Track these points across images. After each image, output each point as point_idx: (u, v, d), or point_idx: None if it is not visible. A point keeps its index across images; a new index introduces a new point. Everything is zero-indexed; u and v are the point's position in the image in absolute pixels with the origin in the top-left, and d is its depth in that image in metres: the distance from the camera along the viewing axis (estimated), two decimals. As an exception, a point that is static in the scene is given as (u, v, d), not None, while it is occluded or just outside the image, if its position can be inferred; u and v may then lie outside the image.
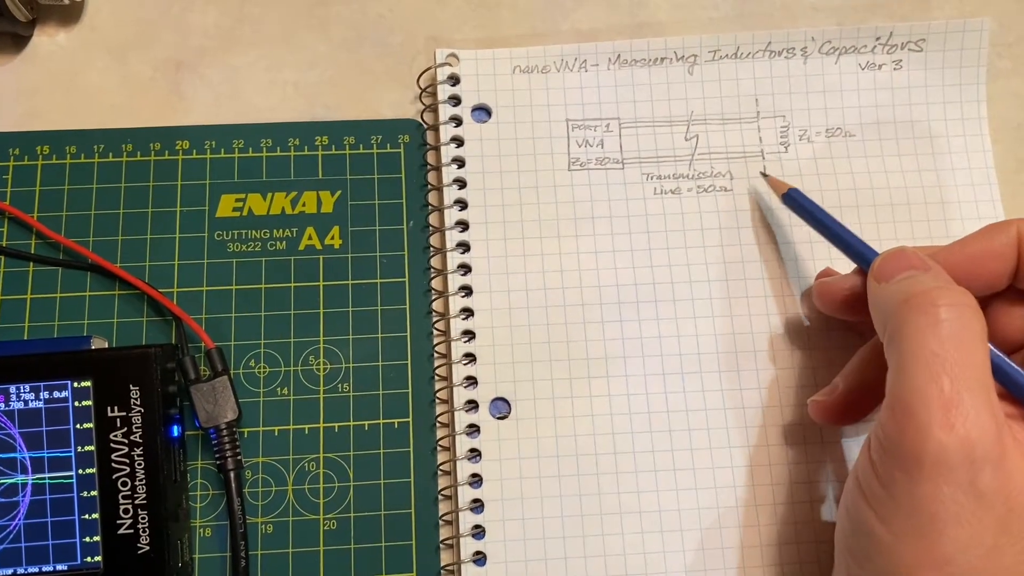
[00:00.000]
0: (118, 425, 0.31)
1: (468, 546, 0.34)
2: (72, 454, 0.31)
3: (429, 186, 0.38)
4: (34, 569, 0.31)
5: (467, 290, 0.36)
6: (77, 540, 0.31)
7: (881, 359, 0.28)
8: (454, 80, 0.38)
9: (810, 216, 0.34)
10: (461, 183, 0.37)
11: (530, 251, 0.37)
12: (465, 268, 0.36)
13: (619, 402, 0.35)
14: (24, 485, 0.31)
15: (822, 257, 0.37)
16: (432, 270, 0.37)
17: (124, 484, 0.31)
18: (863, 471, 0.27)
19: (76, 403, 0.31)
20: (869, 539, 0.26)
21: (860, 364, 0.32)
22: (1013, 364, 0.28)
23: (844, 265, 0.34)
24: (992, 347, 0.28)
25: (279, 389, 0.35)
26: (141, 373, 0.32)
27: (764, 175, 0.37)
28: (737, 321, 0.36)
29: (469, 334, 0.36)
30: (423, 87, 0.38)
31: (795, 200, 0.35)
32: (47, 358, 0.32)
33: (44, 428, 0.31)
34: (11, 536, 0.31)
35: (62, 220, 0.36)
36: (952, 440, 0.24)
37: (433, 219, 0.37)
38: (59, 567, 0.31)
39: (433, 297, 0.36)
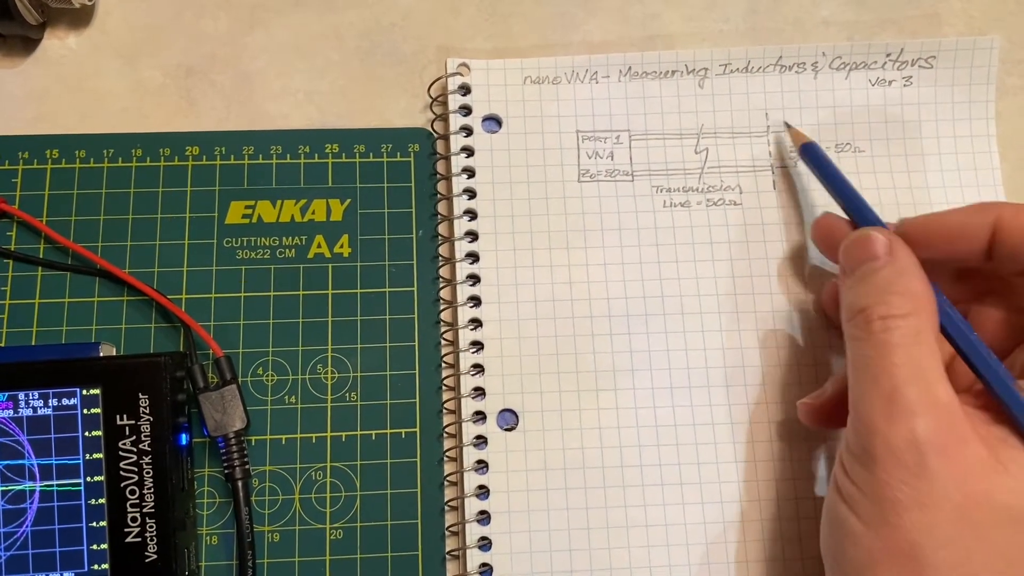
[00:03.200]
0: (127, 433, 0.31)
1: (474, 558, 0.34)
2: (80, 461, 0.31)
3: (439, 196, 0.38)
4: (41, 576, 0.31)
5: (476, 300, 0.36)
6: (84, 548, 0.31)
7: None
8: (465, 90, 0.38)
9: (822, 174, 0.35)
10: (471, 193, 0.37)
11: (539, 262, 0.37)
12: (474, 278, 0.36)
13: (627, 415, 0.35)
14: (32, 492, 0.31)
15: (832, 271, 0.37)
16: (441, 280, 0.37)
17: (132, 492, 0.31)
18: (837, 471, 0.28)
19: (85, 411, 0.31)
20: (843, 530, 0.27)
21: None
22: (985, 354, 0.29)
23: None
24: (968, 336, 0.29)
25: (287, 397, 0.35)
26: (150, 381, 0.32)
27: (787, 124, 0.38)
28: (745, 336, 0.36)
29: (477, 345, 0.36)
30: (434, 96, 0.38)
31: (812, 154, 0.36)
32: (56, 365, 0.32)
33: (52, 435, 0.31)
34: (19, 543, 0.31)
35: (71, 225, 0.36)
36: (895, 431, 0.26)
37: (442, 229, 0.37)
38: (66, 574, 0.31)
39: (442, 307, 0.36)
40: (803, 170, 0.38)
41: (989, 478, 0.26)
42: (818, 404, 0.33)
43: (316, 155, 0.38)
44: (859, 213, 0.33)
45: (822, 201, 0.37)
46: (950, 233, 0.31)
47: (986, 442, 0.26)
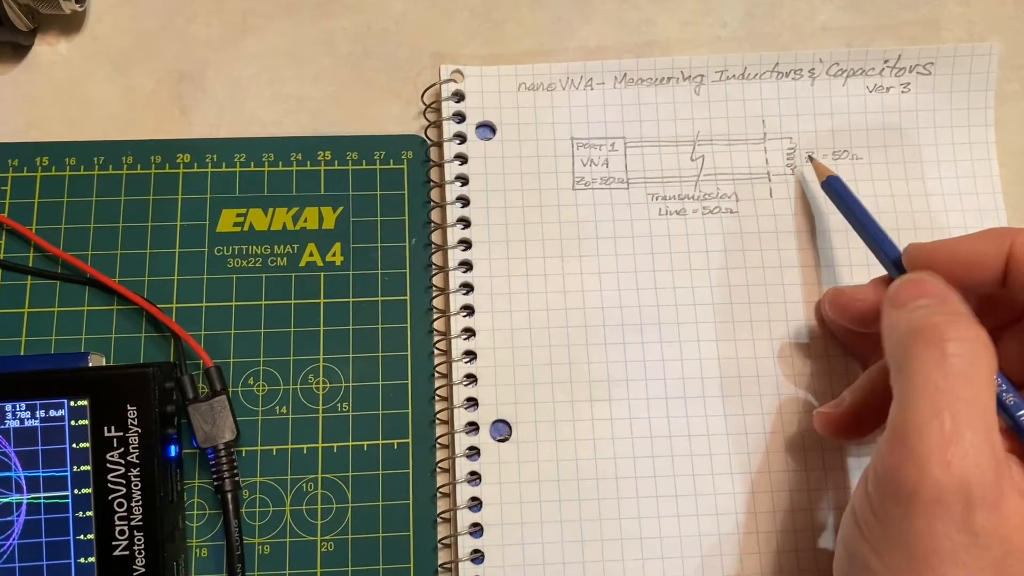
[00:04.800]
0: (115, 445, 0.31)
1: (467, 571, 0.33)
2: (68, 474, 0.31)
3: (432, 203, 0.37)
4: (28, 590, 0.30)
5: (469, 309, 0.36)
6: (72, 561, 0.31)
7: (889, 380, 0.28)
8: (459, 96, 0.38)
9: (846, 208, 0.34)
10: (464, 201, 0.37)
11: (533, 271, 0.36)
12: (467, 287, 0.36)
13: (621, 426, 0.35)
14: (19, 505, 0.31)
15: (828, 282, 0.36)
16: (434, 289, 0.36)
17: (120, 505, 0.31)
18: (859, 503, 0.27)
19: (72, 422, 0.31)
20: (863, 571, 0.26)
21: (869, 381, 0.32)
22: (1020, 401, 0.28)
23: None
24: (1002, 381, 0.28)
25: (278, 408, 0.35)
26: (139, 393, 0.31)
27: (811, 158, 0.37)
28: (741, 346, 0.36)
29: (470, 354, 0.35)
30: (427, 103, 0.38)
31: (834, 189, 0.35)
32: (44, 376, 0.31)
33: (40, 447, 0.31)
34: (5, 556, 0.30)
35: (61, 233, 0.36)
36: (949, 478, 0.24)
37: (436, 237, 0.37)
38: (53, 588, 0.30)
39: (435, 316, 0.36)
40: (809, 176, 0.37)
41: None
42: (836, 414, 0.32)
43: (308, 162, 0.37)
44: (887, 254, 0.32)
45: (819, 209, 0.37)
46: (961, 262, 0.29)
47: (1019, 490, 0.25)
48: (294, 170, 0.37)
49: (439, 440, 0.35)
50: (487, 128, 0.38)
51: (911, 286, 0.29)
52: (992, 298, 0.30)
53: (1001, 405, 0.27)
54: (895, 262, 0.31)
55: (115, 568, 0.31)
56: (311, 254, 0.36)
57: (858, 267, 0.36)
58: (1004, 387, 0.28)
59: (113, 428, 0.31)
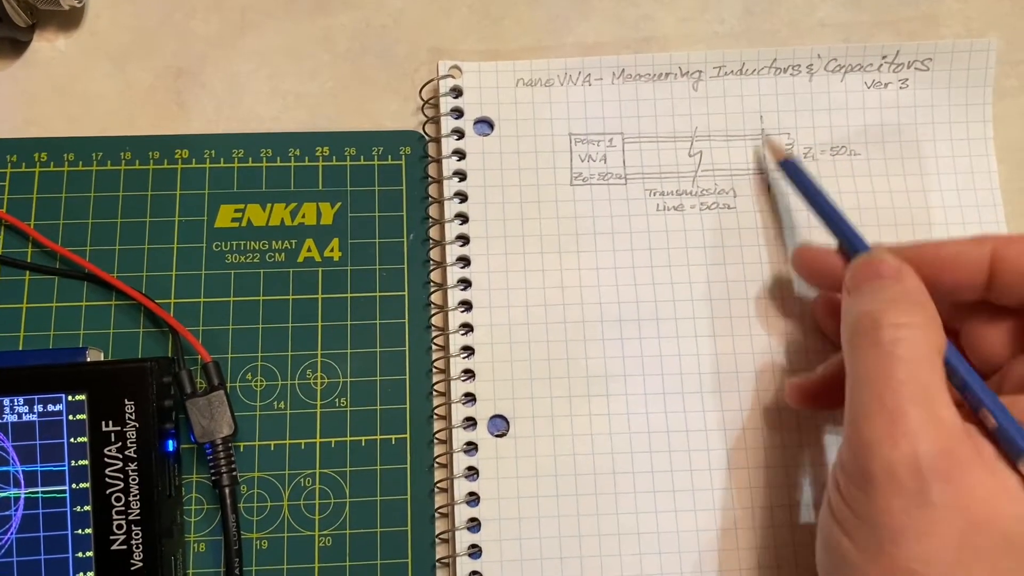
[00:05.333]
0: (112, 440, 0.31)
1: (465, 565, 0.33)
2: (66, 468, 0.31)
3: (430, 199, 0.37)
4: (26, 584, 0.30)
5: (467, 305, 0.36)
6: (70, 555, 0.31)
7: None
8: (457, 92, 0.38)
9: (804, 190, 0.35)
10: (462, 196, 0.37)
11: (531, 266, 0.36)
12: (465, 283, 0.36)
13: (619, 421, 0.35)
14: (17, 499, 0.31)
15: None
16: (432, 284, 0.36)
17: (118, 499, 0.31)
18: (831, 491, 0.27)
19: (70, 417, 0.31)
20: (839, 556, 0.26)
21: (841, 356, 0.32)
22: (972, 373, 0.28)
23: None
24: (954, 353, 0.28)
25: (276, 403, 0.35)
26: (137, 387, 0.31)
27: (766, 138, 0.37)
28: (738, 341, 0.36)
29: (468, 350, 0.35)
30: (425, 99, 0.38)
31: (791, 171, 0.35)
32: (42, 370, 0.31)
33: (38, 441, 0.31)
34: (3, 550, 0.30)
35: (59, 229, 0.36)
36: (897, 455, 0.25)
37: (434, 232, 0.37)
38: (51, 582, 0.30)
39: (432, 311, 0.36)
40: (771, 158, 0.37)
41: (991, 504, 0.25)
42: (807, 384, 0.33)
43: (306, 158, 0.37)
44: (844, 234, 0.32)
45: (817, 205, 0.37)
46: (944, 263, 0.30)
47: (990, 468, 0.25)
48: (292, 166, 0.37)
49: (437, 435, 0.35)
50: (485, 124, 0.38)
51: (864, 267, 0.30)
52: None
53: (953, 381, 0.28)
54: (852, 246, 0.32)
55: (113, 562, 0.31)
56: (309, 249, 0.36)
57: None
58: (956, 365, 0.28)
59: (111, 423, 0.31)
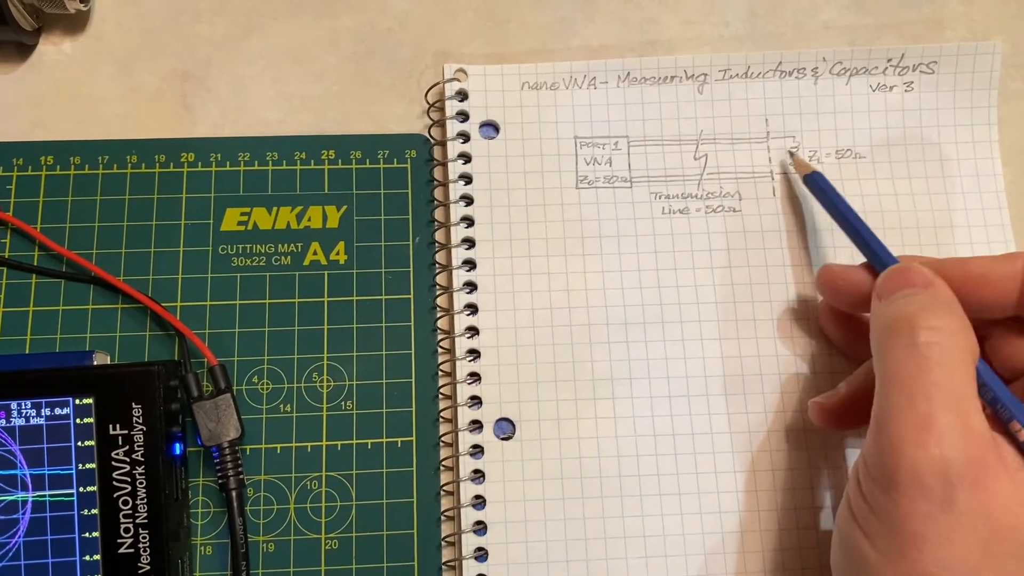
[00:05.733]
0: (120, 443, 0.31)
1: (471, 569, 0.33)
2: (73, 472, 0.31)
3: (436, 202, 0.37)
4: (33, 587, 0.30)
5: (473, 308, 0.36)
6: (77, 559, 0.31)
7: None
8: (462, 95, 0.38)
9: (830, 204, 0.34)
10: (468, 200, 0.37)
11: (536, 270, 0.36)
12: (471, 286, 0.36)
13: (624, 424, 0.35)
14: (24, 502, 0.31)
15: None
16: (438, 287, 0.36)
17: (125, 503, 0.31)
18: (852, 491, 0.27)
19: (78, 420, 0.31)
20: (857, 558, 0.26)
21: (864, 373, 0.32)
22: (1003, 387, 0.28)
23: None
24: (984, 367, 0.28)
25: (282, 406, 0.35)
26: (144, 391, 0.31)
27: (791, 152, 0.37)
28: (744, 344, 0.36)
29: (474, 353, 0.35)
30: (431, 102, 0.38)
31: (817, 184, 0.35)
32: (49, 374, 0.31)
33: (45, 445, 0.31)
34: (11, 554, 0.31)
35: (65, 232, 0.36)
36: (925, 460, 0.25)
37: (439, 236, 0.37)
38: (58, 586, 0.31)
39: (438, 315, 0.36)
40: (794, 172, 0.37)
41: (1014, 513, 0.25)
42: (830, 404, 0.32)
43: (312, 161, 0.37)
44: (872, 248, 0.32)
45: (822, 209, 0.37)
46: (974, 281, 0.29)
47: (1013, 477, 0.25)
48: (298, 169, 0.37)
49: (443, 438, 0.35)
50: (491, 127, 0.38)
51: (896, 276, 0.29)
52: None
53: (983, 389, 0.28)
54: (880, 260, 0.32)
55: (120, 565, 0.31)
56: (315, 253, 0.36)
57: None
58: (986, 379, 0.28)
59: (118, 426, 0.31)
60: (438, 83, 0.38)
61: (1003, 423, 0.27)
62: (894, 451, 0.25)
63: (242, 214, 0.37)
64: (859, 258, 0.33)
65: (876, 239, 0.32)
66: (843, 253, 0.37)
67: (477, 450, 0.34)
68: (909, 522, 0.25)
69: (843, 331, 0.35)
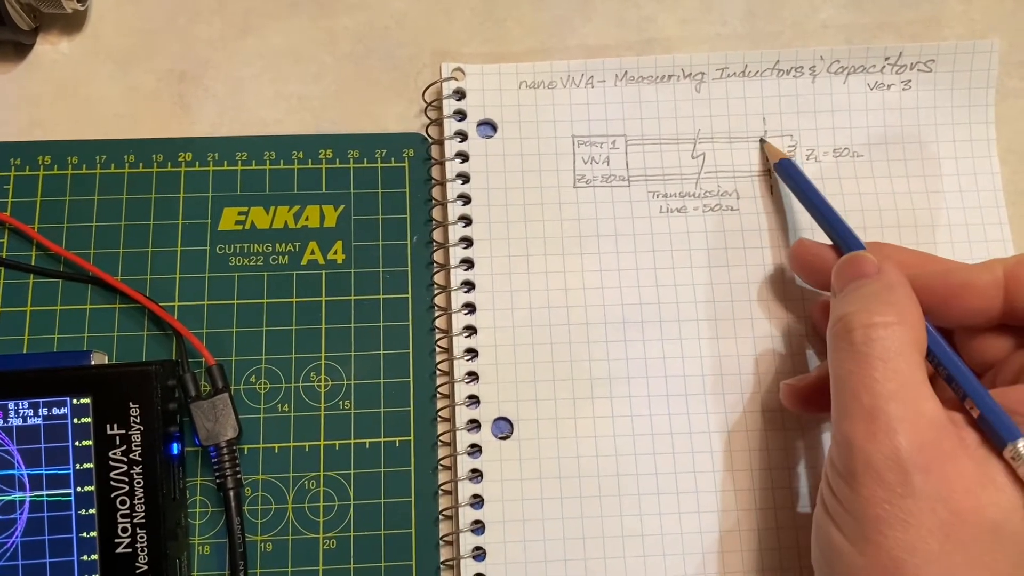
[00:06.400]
0: (117, 443, 0.31)
1: (469, 568, 0.33)
2: (71, 471, 0.31)
3: (433, 201, 0.37)
4: (31, 587, 0.30)
5: (470, 307, 0.36)
6: (75, 558, 0.31)
7: None
8: (460, 95, 0.38)
9: (800, 191, 0.35)
10: (466, 199, 0.37)
11: (534, 269, 0.36)
12: (469, 285, 0.36)
13: (622, 423, 0.35)
14: (22, 502, 0.31)
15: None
16: (436, 287, 0.36)
17: (123, 502, 0.31)
18: (823, 487, 0.28)
19: (75, 420, 0.31)
20: (830, 548, 0.27)
21: None
22: (958, 365, 0.28)
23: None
24: (941, 348, 0.28)
25: (280, 406, 0.35)
26: (141, 391, 0.31)
27: (763, 140, 0.37)
28: (742, 343, 0.36)
29: (472, 352, 0.35)
30: (429, 101, 0.38)
31: (787, 171, 0.35)
32: (46, 374, 0.31)
33: (43, 445, 0.31)
34: (8, 554, 0.31)
35: (63, 232, 0.36)
36: (876, 449, 0.26)
37: (437, 235, 0.37)
38: (56, 585, 0.31)
39: (436, 314, 0.36)
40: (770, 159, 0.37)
41: (976, 494, 0.25)
42: (800, 386, 0.33)
43: (310, 160, 0.37)
44: (839, 234, 0.32)
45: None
46: (954, 291, 0.29)
47: (974, 457, 0.26)
48: (295, 168, 0.37)
49: (441, 438, 0.35)
50: (488, 126, 0.38)
51: (848, 266, 0.30)
52: None
53: (940, 373, 0.28)
54: (847, 246, 0.32)
55: (118, 565, 0.31)
56: (313, 252, 0.36)
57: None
58: (941, 359, 0.28)
59: (116, 426, 0.31)
60: (436, 82, 0.38)
61: (960, 401, 0.28)
62: (848, 446, 0.26)
63: (240, 213, 0.37)
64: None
65: (844, 224, 0.33)
66: (841, 252, 0.37)
67: (475, 449, 0.34)
68: (871, 509, 0.25)
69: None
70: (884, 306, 0.28)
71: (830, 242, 0.33)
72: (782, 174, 0.36)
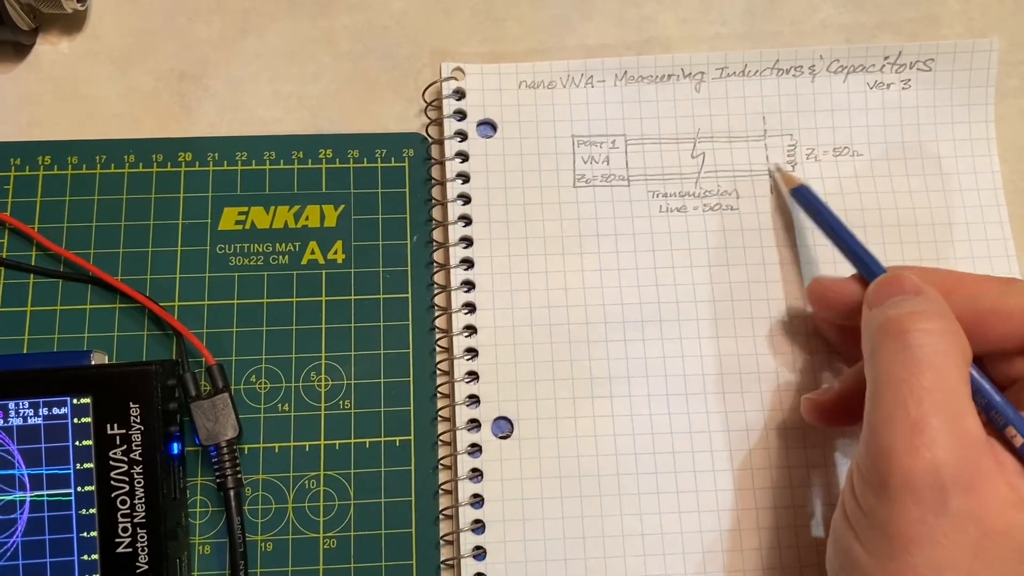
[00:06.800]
0: (118, 443, 0.31)
1: (469, 567, 0.33)
2: (71, 471, 0.31)
3: (433, 201, 0.37)
4: (31, 587, 0.30)
5: (470, 307, 0.36)
6: (75, 558, 0.31)
7: None
8: (460, 94, 0.38)
9: (818, 216, 0.34)
10: (466, 198, 0.37)
11: (534, 268, 0.36)
12: (469, 285, 0.36)
13: (622, 423, 0.35)
14: (22, 502, 0.31)
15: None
16: (436, 286, 0.36)
17: (123, 502, 0.31)
18: (846, 495, 0.27)
19: (75, 420, 0.31)
20: (850, 561, 0.26)
21: (858, 371, 0.32)
22: (996, 392, 0.28)
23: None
24: (978, 372, 0.28)
25: (280, 405, 0.35)
26: (141, 390, 0.31)
27: (778, 168, 0.37)
28: (741, 342, 0.36)
29: (472, 352, 0.35)
30: (428, 101, 0.38)
31: (804, 197, 0.35)
32: (47, 374, 0.31)
33: (43, 445, 0.31)
34: (9, 554, 0.31)
35: (63, 232, 0.36)
36: (917, 464, 0.25)
37: (437, 234, 0.37)
38: (57, 585, 0.31)
39: (436, 314, 0.36)
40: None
41: (1009, 515, 0.24)
42: (823, 401, 0.32)
43: (310, 160, 0.37)
44: (862, 259, 0.32)
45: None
46: (983, 316, 0.28)
47: (1007, 478, 0.25)
48: (295, 168, 0.37)
49: (441, 437, 0.35)
50: (488, 126, 0.38)
51: (887, 285, 0.29)
52: None
53: (976, 400, 0.27)
54: (870, 271, 0.31)
55: (118, 565, 0.31)
56: (313, 252, 0.36)
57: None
58: (980, 384, 0.28)
59: (116, 426, 0.31)
60: (435, 82, 0.38)
61: (998, 429, 0.27)
62: (886, 456, 0.25)
63: (240, 213, 0.37)
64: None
65: (865, 250, 0.32)
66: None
67: (475, 449, 0.34)
68: (901, 526, 0.25)
69: (839, 333, 0.35)
70: (938, 315, 0.27)
71: (843, 272, 0.33)
72: (800, 200, 0.35)
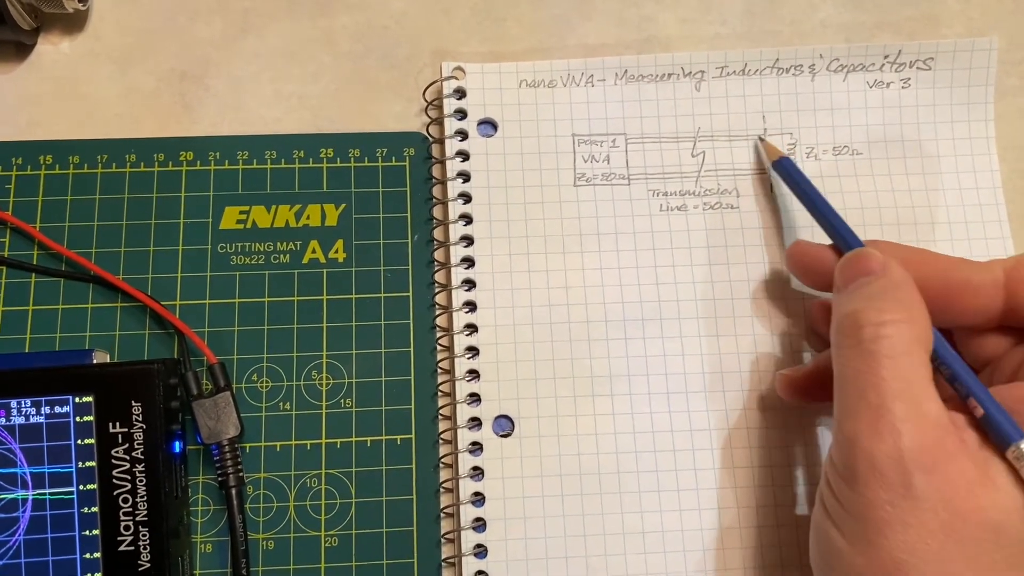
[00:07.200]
0: (120, 441, 0.31)
1: (470, 565, 0.33)
2: (73, 470, 0.31)
3: (434, 200, 0.37)
4: (34, 585, 0.31)
5: (471, 306, 0.36)
6: (77, 557, 0.31)
7: None
8: (460, 94, 0.38)
9: (799, 190, 0.35)
10: (466, 197, 0.37)
11: (535, 267, 0.36)
12: (469, 283, 0.36)
13: (623, 421, 0.35)
14: (24, 501, 0.31)
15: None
16: (436, 285, 0.36)
17: (125, 500, 0.31)
18: (823, 487, 0.28)
19: (77, 418, 0.31)
20: (829, 549, 0.27)
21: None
22: (960, 363, 0.28)
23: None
24: (943, 346, 0.28)
25: (281, 404, 0.35)
26: (143, 389, 0.31)
27: (761, 139, 0.37)
28: (742, 341, 0.36)
29: (473, 350, 0.35)
30: (429, 100, 0.38)
31: (786, 170, 0.35)
32: (49, 373, 0.32)
33: (45, 443, 0.31)
34: (11, 552, 0.31)
35: (64, 231, 0.36)
36: (880, 449, 0.25)
37: (438, 233, 0.37)
38: (59, 583, 0.31)
39: (437, 312, 0.36)
40: (767, 157, 0.37)
41: (977, 495, 0.25)
42: (796, 376, 0.33)
43: (311, 160, 0.38)
44: (839, 232, 0.32)
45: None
46: (956, 288, 0.30)
47: (975, 458, 0.26)
48: (296, 167, 0.37)
49: (442, 436, 0.35)
50: (488, 125, 0.38)
51: (853, 264, 0.30)
52: None
53: (942, 372, 0.28)
54: (846, 244, 0.32)
55: (120, 563, 0.31)
56: (314, 251, 0.37)
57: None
58: (944, 357, 0.28)
59: (118, 424, 0.31)
60: (436, 81, 0.38)
61: (962, 399, 0.28)
62: (851, 445, 0.26)
63: (241, 212, 0.37)
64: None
65: (843, 223, 0.32)
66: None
67: (476, 447, 0.34)
68: (872, 510, 0.25)
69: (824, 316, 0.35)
70: (892, 303, 0.28)
71: (827, 242, 0.33)
72: (781, 172, 0.36)
